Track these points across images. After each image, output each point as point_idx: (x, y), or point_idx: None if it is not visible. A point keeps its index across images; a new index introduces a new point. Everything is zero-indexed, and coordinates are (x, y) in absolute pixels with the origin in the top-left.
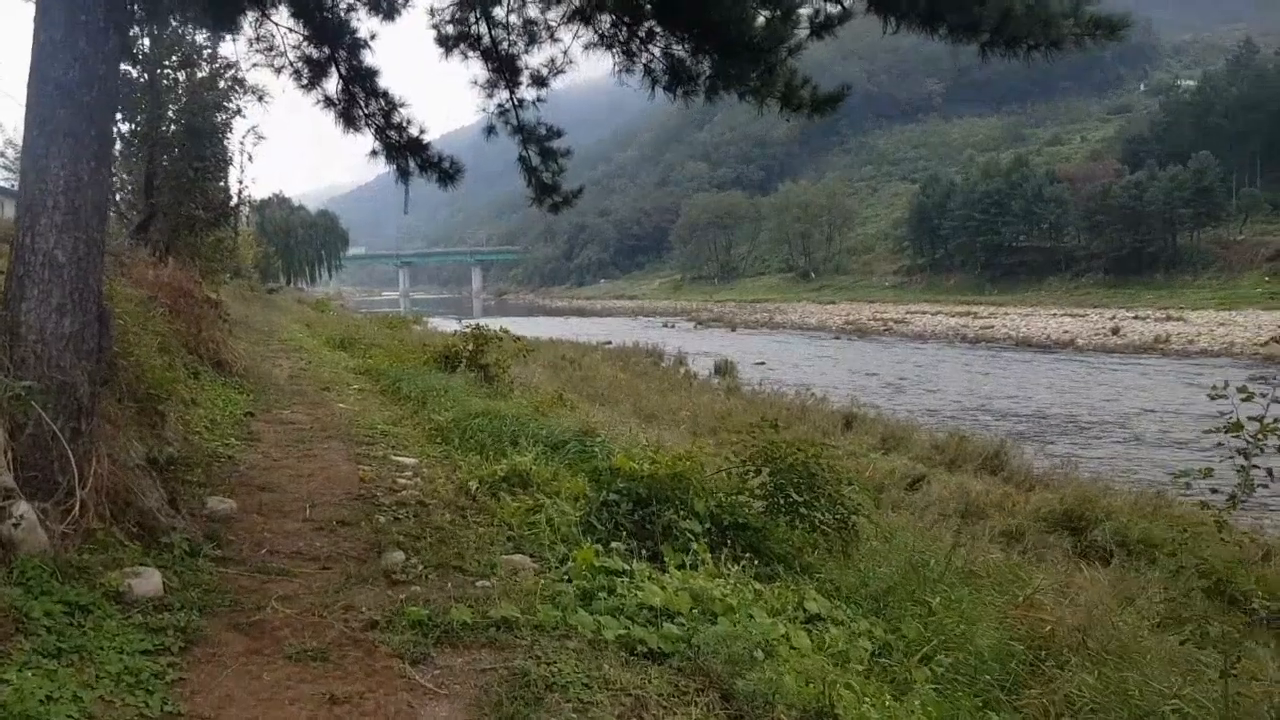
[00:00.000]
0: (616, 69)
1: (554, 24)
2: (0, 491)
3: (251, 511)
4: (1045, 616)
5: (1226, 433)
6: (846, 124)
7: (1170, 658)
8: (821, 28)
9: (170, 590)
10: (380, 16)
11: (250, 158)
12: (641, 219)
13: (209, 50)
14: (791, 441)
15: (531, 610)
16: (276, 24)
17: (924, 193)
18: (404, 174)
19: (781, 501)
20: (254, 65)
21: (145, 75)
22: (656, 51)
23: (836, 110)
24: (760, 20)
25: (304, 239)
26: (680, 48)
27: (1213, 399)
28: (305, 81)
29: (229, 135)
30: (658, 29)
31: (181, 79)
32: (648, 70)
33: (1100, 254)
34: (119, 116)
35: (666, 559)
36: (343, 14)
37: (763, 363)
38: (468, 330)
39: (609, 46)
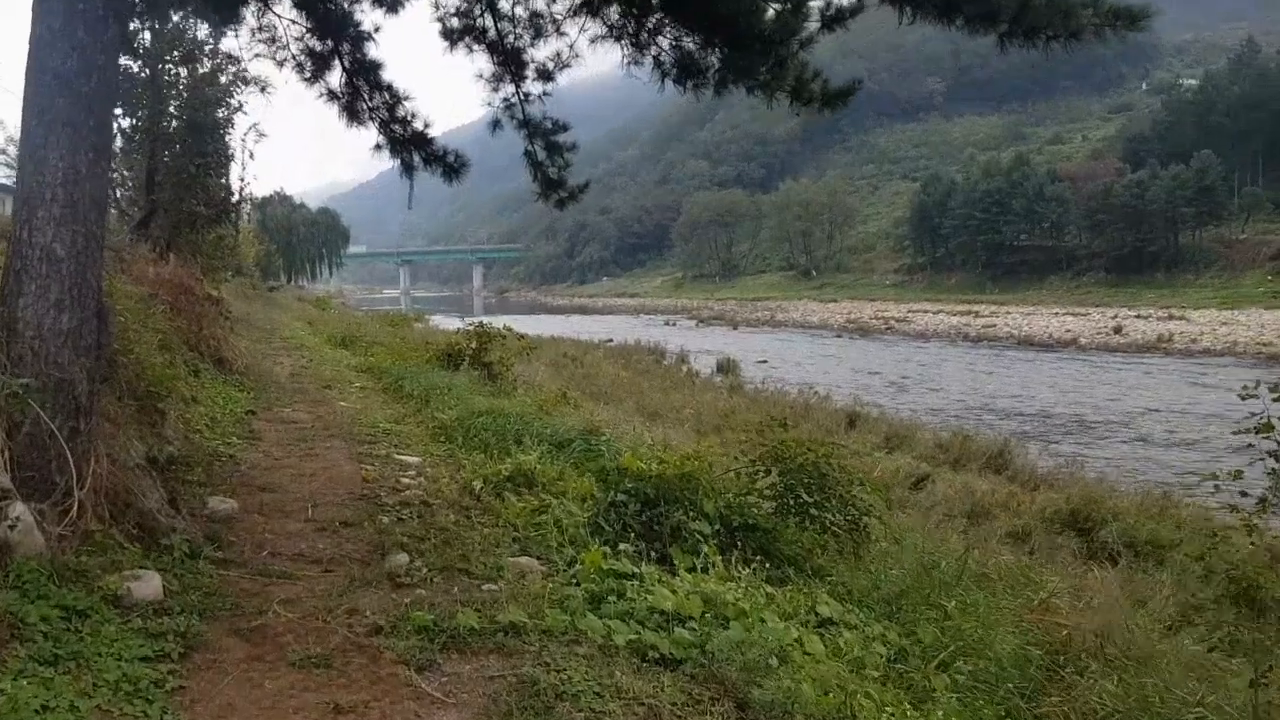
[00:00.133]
0: (625, 62)
1: (560, 17)
2: None
3: (253, 512)
4: (1061, 620)
5: (1257, 434)
6: (848, 122)
7: (1189, 663)
8: (832, 20)
9: (170, 594)
10: (384, 9)
11: (251, 155)
12: (643, 217)
13: (210, 45)
14: (801, 441)
15: (540, 615)
16: (279, 16)
17: (925, 191)
18: (409, 168)
19: (791, 502)
20: (256, 56)
21: (147, 70)
22: (665, 44)
23: (847, 104)
24: (770, 13)
25: (305, 236)
26: (690, 40)
27: (1243, 399)
28: (308, 75)
29: (231, 131)
30: (666, 21)
31: (183, 74)
32: (657, 63)
33: (1102, 253)
34: (120, 111)
35: (676, 561)
36: (346, 6)
37: (765, 361)
38: (471, 328)
39: (618, 39)
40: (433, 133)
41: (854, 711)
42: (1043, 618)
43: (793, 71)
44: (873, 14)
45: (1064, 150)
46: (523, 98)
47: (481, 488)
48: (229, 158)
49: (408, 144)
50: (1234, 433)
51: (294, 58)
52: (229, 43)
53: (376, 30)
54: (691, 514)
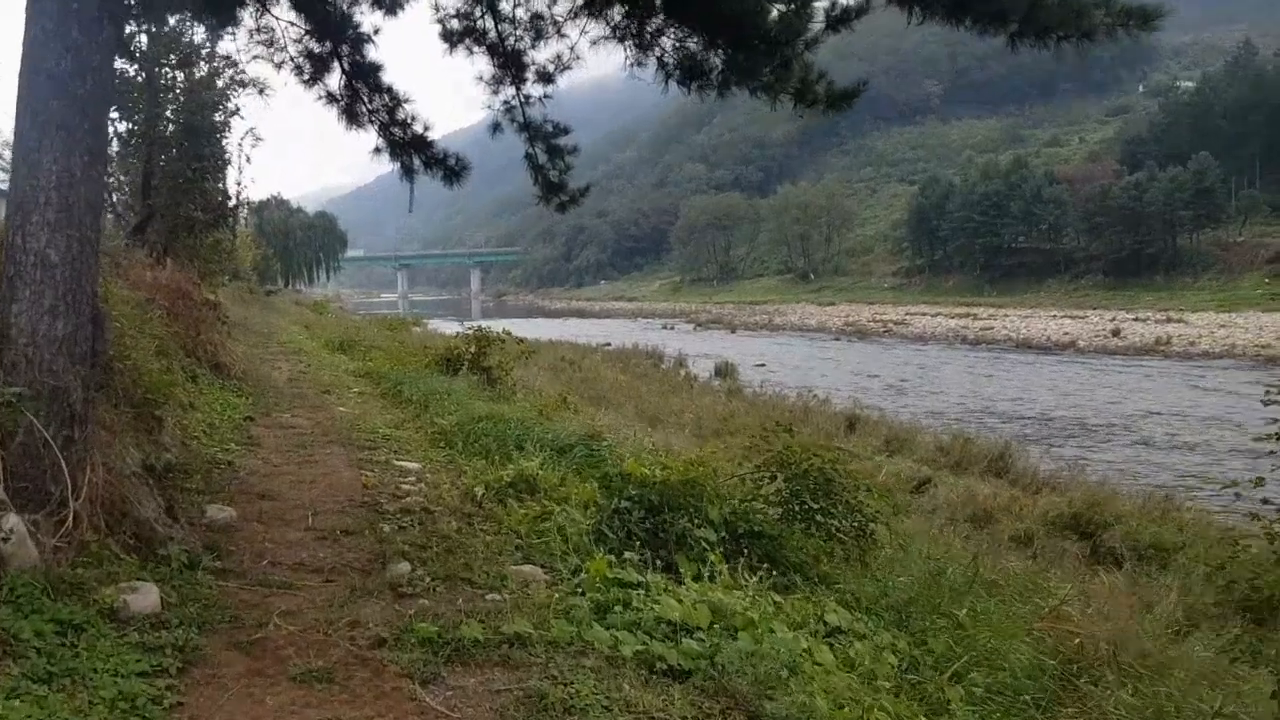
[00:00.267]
0: (629, 63)
1: (561, 19)
2: None
3: (252, 520)
4: (1073, 629)
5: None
6: (845, 125)
7: (1203, 672)
8: (838, 21)
9: (168, 606)
10: (383, 11)
11: (248, 159)
12: (640, 220)
13: (207, 49)
14: (807, 446)
15: (545, 625)
16: (277, 18)
17: (923, 194)
18: (409, 172)
19: (797, 508)
20: (254, 58)
21: (143, 74)
22: (668, 45)
23: (852, 106)
24: (774, 14)
25: (302, 241)
26: (693, 41)
27: (1266, 404)
28: (307, 77)
29: (228, 135)
30: (670, 22)
31: (180, 78)
32: (661, 64)
33: (1099, 255)
34: (116, 115)
35: (681, 569)
36: (345, 7)
37: (763, 364)
38: (470, 332)
39: (621, 39)
40: (433, 135)
41: None
42: (1054, 626)
43: (797, 73)
44: (870, 17)
45: (1061, 152)
46: (523, 100)
47: (483, 494)
48: (226, 162)
49: (408, 147)
50: (1255, 439)
51: (292, 60)
52: (226, 46)
53: (376, 32)
54: (696, 521)
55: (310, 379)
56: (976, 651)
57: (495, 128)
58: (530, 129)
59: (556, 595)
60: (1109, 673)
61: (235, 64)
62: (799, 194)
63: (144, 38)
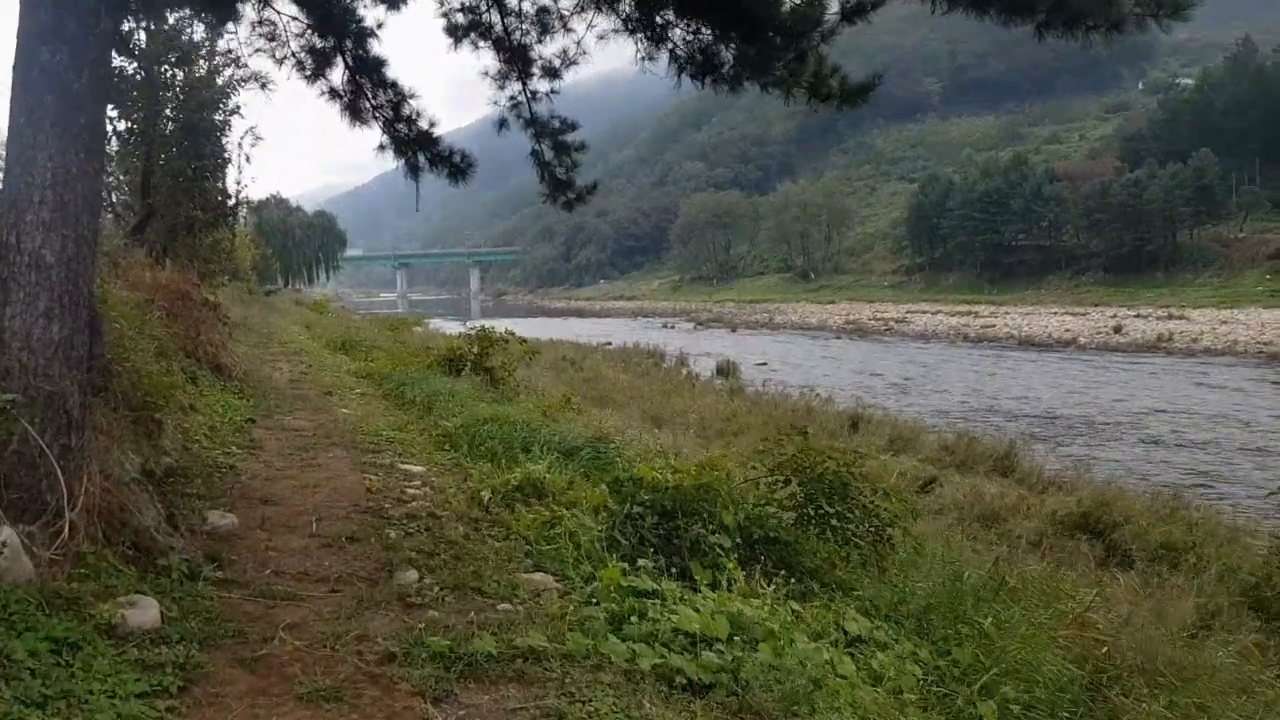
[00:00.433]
0: (640, 57)
1: (567, 13)
2: None
3: (254, 527)
4: (1100, 636)
5: None
6: (845, 123)
7: (1232, 681)
8: (853, 13)
9: (168, 620)
10: (385, 5)
11: (248, 158)
12: (639, 219)
13: (207, 47)
14: (822, 449)
15: (560, 638)
16: (278, 12)
17: (922, 192)
18: (414, 169)
19: (812, 513)
20: (256, 51)
21: (142, 71)
22: (678, 37)
23: (868, 100)
24: (788, 6)
25: (302, 240)
26: (706, 33)
27: None
28: (309, 72)
29: (227, 134)
30: (682, 14)
31: (179, 76)
32: (674, 57)
33: (1100, 252)
34: (116, 114)
35: (697, 577)
36: (348, 2)
37: (764, 363)
38: (472, 332)
39: (632, 32)
40: (438, 131)
41: None
42: (1080, 634)
43: (811, 66)
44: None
45: (1061, 150)
46: (530, 96)
47: (490, 498)
48: (226, 160)
49: (413, 144)
50: None
51: (294, 55)
52: (226, 43)
53: (379, 27)
54: (710, 526)
55: (312, 380)
56: (1006, 663)
57: (501, 124)
58: (537, 125)
59: (570, 606)
60: (1140, 682)
61: (235, 61)
62: (799, 192)
63: (143, 35)
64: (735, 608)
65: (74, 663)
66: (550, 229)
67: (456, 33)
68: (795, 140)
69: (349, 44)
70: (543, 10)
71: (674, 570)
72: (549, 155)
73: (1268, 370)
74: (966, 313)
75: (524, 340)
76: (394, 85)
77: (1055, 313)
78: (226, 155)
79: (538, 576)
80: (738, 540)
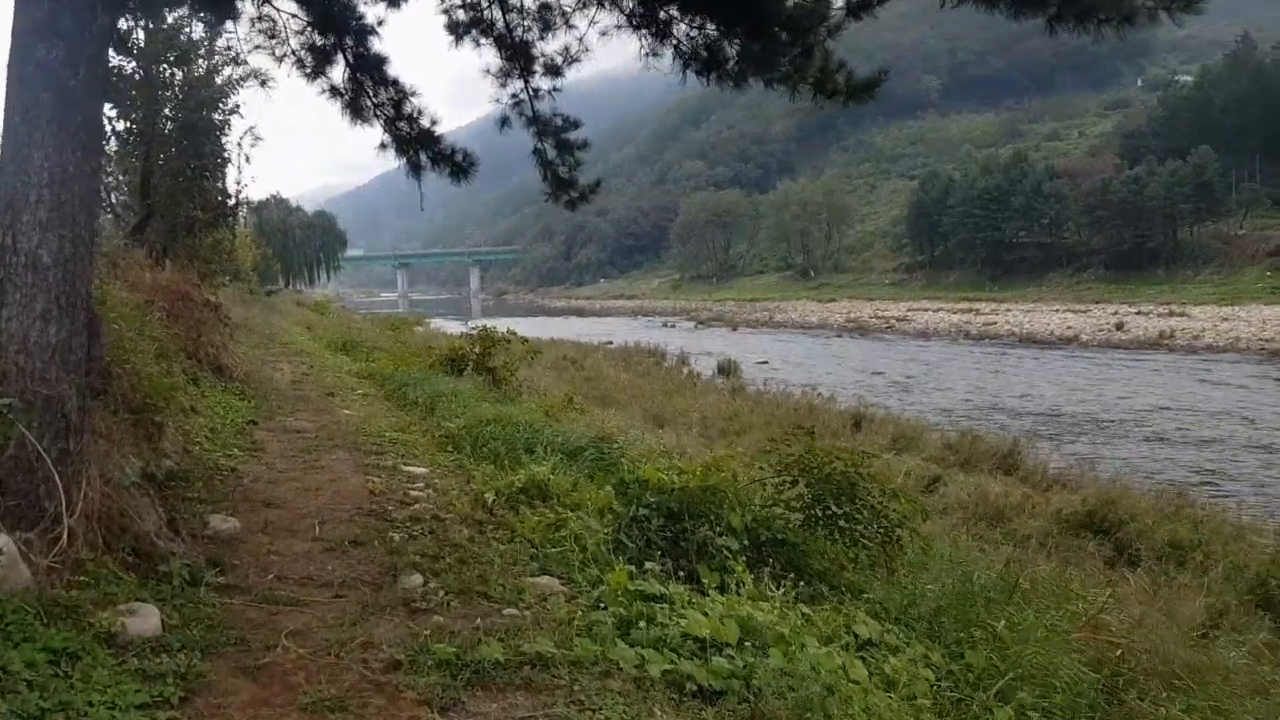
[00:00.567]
0: (644, 53)
1: (569, 9)
2: None
3: (256, 531)
4: (1114, 638)
5: None
6: (844, 121)
7: (1249, 683)
8: (859, 7)
9: (169, 628)
10: (386, 3)
11: (248, 158)
12: (639, 218)
13: (206, 46)
14: (830, 450)
15: (567, 643)
16: (278, 10)
17: (923, 189)
18: (415, 168)
19: (820, 514)
20: (255, 48)
21: (141, 70)
22: (682, 33)
23: (874, 96)
24: (791, 1)
25: (302, 240)
26: (711, 28)
27: None
28: (309, 70)
29: (227, 133)
30: (687, 9)
31: (178, 75)
32: (678, 53)
33: (1100, 249)
34: (115, 113)
35: (704, 580)
36: None
37: (765, 362)
38: (474, 332)
39: (636, 28)
40: (440, 130)
41: None
42: (1094, 636)
43: (817, 61)
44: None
45: (1061, 146)
46: (532, 94)
47: (494, 500)
48: (226, 160)
49: (415, 142)
50: None
51: (294, 53)
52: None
53: (380, 24)
54: (718, 529)
55: (313, 381)
56: (1022, 667)
57: (504, 122)
58: (539, 123)
59: (577, 610)
60: (1155, 685)
61: (235, 59)
62: (798, 190)
63: (141, 33)
64: (745, 611)
65: (73, 673)
66: (550, 228)
67: (458, 30)
68: (795, 138)
69: (349, 41)
70: (545, 7)
71: (681, 573)
72: (551, 154)
73: (1270, 367)
74: (968, 310)
75: (525, 340)
76: (395, 83)
77: (1057, 310)
78: (226, 155)
79: (543, 580)
80: (745, 542)
